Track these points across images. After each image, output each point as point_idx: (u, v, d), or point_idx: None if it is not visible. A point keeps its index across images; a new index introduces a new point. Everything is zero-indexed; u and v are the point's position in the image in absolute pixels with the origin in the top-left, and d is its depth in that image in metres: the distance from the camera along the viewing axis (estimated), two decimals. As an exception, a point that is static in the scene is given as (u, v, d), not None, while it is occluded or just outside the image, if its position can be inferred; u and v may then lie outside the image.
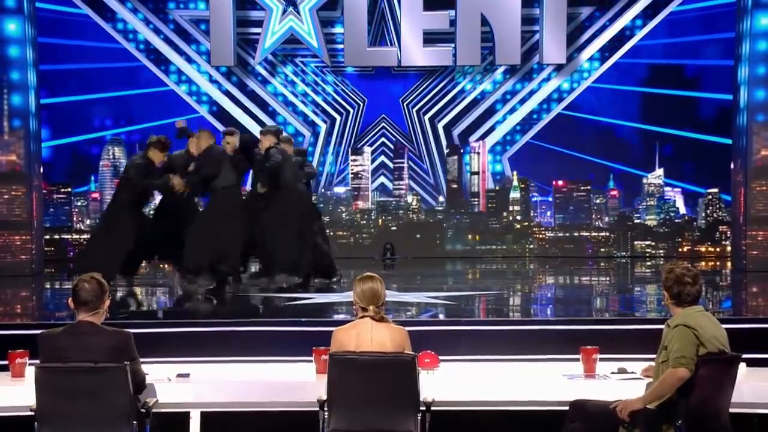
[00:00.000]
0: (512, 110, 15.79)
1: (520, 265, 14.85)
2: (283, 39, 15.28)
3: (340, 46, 15.28)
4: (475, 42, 14.90)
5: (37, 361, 5.13)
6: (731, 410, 5.19)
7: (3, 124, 12.85)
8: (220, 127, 14.29)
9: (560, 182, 15.92)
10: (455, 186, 16.00)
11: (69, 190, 15.66)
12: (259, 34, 15.29)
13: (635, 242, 15.67)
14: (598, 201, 15.97)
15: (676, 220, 15.72)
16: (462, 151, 15.97)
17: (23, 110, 12.85)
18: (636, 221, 15.85)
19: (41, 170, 13.70)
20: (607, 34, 15.45)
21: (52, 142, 15.16)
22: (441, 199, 16.14)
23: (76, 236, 15.54)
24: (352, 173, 16.04)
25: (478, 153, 15.89)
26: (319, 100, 16.00)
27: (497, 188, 16.01)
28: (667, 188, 15.77)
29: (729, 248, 14.53)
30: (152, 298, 10.78)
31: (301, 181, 10.49)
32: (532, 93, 15.72)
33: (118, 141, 15.78)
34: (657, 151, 15.46)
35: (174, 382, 5.75)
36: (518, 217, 15.87)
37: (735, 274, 13.01)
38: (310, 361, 5.92)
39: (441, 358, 6.16)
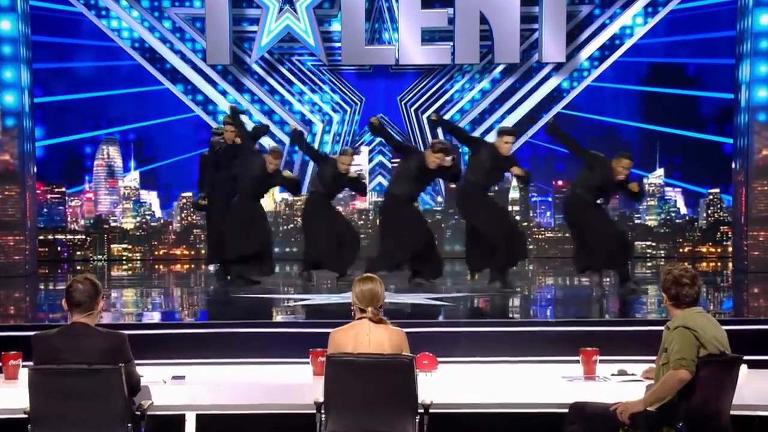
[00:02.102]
0: (511, 109, 15.72)
1: (519, 265, 14.72)
2: (280, 37, 15.18)
3: (338, 45, 15.19)
4: (474, 40, 14.81)
5: (31, 363, 5.10)
6: (732, 412, 5.16)
7: (-4, 124, 12.81)
8: (213, 125, 14.26)
9: (560, 182, 15.85)
10: (454, 186, 15.88)
11: (63, 189, 15.62)
12: (255, 32, 15.22)
13: (635, 243, 15.58)
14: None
15: (677, 221, 15.67)
16: (461, 150, 15.88)
17: (17, 109, 12.82)
18: (636, 222, 15.79)
19: (35, 170, 13.67)
20: (607, 32, 15.40)
21: (45, 142, 15.10)
22: (439, 199, 16.06)
23: (70, 236, 15.46)
24: (350, 173, 15.94)
25: (477, 152, 15.78)
26: (316, 98, 15.92)
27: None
28: (667, 188, 15.72)
29: (730, 249, 14.48)
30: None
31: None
32: (531, 92, 15.65)
33: (112, 140, 15.72)
34: (657, 151, 15.40)
35: (169, 384, 5.73)
36: (518, 218, 15.76)
37: (736, 274, 12.96)
38: (307, 362, 5.89)
39: (439, 359, 6.12)
